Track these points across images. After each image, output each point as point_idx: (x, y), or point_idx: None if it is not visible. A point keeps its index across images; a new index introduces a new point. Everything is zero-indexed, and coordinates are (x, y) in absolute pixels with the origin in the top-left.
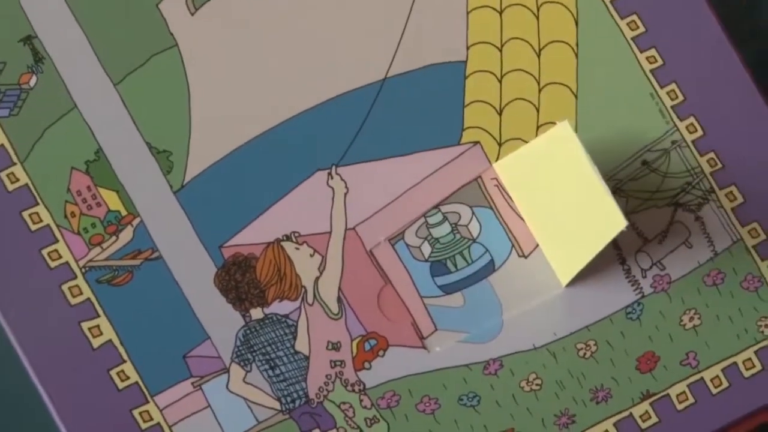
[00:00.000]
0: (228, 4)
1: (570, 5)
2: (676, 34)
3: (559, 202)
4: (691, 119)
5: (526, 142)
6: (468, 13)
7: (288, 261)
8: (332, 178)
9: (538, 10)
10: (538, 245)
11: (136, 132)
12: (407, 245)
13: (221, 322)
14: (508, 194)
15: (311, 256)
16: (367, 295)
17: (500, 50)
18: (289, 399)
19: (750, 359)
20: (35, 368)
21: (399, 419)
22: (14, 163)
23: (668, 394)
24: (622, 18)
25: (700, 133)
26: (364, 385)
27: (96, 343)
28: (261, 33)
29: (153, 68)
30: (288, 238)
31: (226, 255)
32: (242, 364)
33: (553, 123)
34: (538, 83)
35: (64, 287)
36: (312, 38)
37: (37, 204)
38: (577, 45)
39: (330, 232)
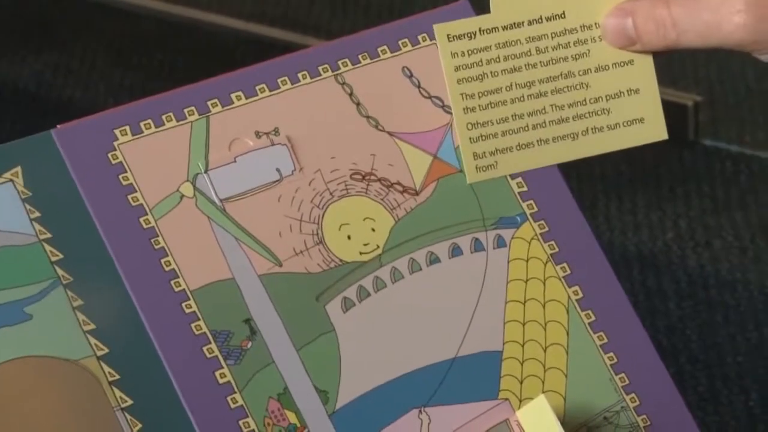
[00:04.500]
0: (368, 308)
1: (564, 323)
2: (630, 348)
3: None
4: (633, 395)
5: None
6: (505, 324)
7: None
8: (421, 413)
9: (546, 324)
10: None
11: (309, 380)
12: None
13: None
14: None
15: None
16: None
17: (522, 347)
18: None
19: None
20: None
21: None
22: (236, 392)
23: None
24: (594, 332)
25: (638, 403)
26: None
27: None
28: (383, 324)
29: (320, 342)
30: None
31: None
32: None
33: (552, 391)
34: (544, 367)
35: None
36: (413, 332)
37: (248, 417)
38: (568, 347)
39: None
